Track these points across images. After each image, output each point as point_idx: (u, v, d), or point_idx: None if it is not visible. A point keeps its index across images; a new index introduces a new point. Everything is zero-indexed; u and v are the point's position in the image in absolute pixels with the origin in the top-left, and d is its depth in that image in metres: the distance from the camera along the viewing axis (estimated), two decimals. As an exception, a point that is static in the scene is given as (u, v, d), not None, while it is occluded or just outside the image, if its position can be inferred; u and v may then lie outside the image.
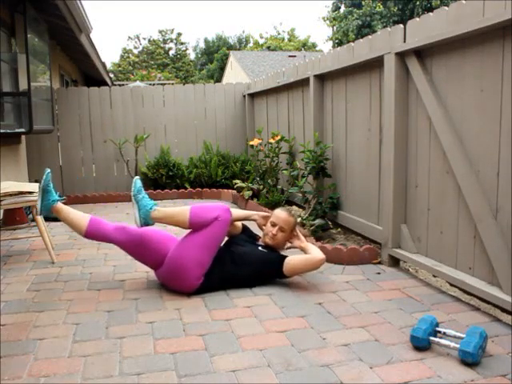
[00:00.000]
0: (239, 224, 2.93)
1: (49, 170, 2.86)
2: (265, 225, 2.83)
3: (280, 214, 2.76)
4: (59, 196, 2.84)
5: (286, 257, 2.63)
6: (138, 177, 2.75)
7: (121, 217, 4.80)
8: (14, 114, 4.89)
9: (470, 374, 1.71)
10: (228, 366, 1.79)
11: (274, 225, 2.75)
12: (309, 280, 2.78)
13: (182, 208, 2.64)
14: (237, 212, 2.84)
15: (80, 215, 2.72)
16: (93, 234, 2.66)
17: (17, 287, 2.76)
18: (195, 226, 2.57)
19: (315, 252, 2.61)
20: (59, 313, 2.36)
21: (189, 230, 2.62)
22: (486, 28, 2.15)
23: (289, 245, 2.81)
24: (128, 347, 1.97)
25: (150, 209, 2.62)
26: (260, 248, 2.74)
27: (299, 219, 3.85)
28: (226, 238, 2.83)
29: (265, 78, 5.79)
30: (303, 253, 2.70)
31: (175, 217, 2.61)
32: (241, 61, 31.90)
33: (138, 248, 2.62)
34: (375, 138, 3.22)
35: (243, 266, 2.62)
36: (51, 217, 2.75)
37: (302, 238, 2.78)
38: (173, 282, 2.58)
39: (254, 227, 2.98)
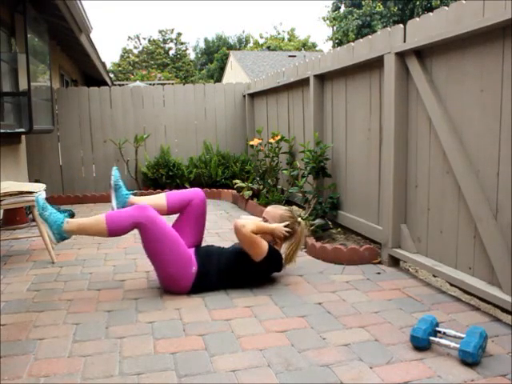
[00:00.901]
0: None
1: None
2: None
3: (267, 207, 2.91)
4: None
5: None
6: (38, 194, 2.53)
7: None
8: (13, 113, 4.89)
9: (470, 373, 1.71)
10: (228, 366, 1.79)
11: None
12: (309, 280, 2.78)
13: (95, 218, 2.49)
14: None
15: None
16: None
17: (17, 287, 2.76)
18: (115, 234, 2.49)
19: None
20: (59, 313, 2.36)
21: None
22: (485, 28, 2.15)
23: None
24: (128, 347, 1.97)
25: (62, 223, 2.47)
26: None
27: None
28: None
29: (265, 78, 5.79)
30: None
31: (92, 227, 2.46)
32: (241, 61, 31.90)
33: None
34: (375, 137, 3.22)
35: (235, 261, 2.62)
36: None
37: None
38: (168, 286, 2.59)
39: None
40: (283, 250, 2.79)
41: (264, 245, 2.58)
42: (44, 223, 2.49)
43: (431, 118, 2.60)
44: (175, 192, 2.86)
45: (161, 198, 2.79)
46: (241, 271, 2.62)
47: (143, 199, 2.81)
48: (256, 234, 2.55)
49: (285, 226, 2.73)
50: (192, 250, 2.63)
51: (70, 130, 6.16)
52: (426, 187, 2.71)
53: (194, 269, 2.54)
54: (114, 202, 2.78)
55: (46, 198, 2.95)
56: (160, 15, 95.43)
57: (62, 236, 2.48)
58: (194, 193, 2.81)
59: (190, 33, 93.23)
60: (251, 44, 50.47)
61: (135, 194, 2.84)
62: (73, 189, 6.15)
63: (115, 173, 2.82)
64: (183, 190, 2.86)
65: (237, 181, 5.34)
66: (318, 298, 2.49)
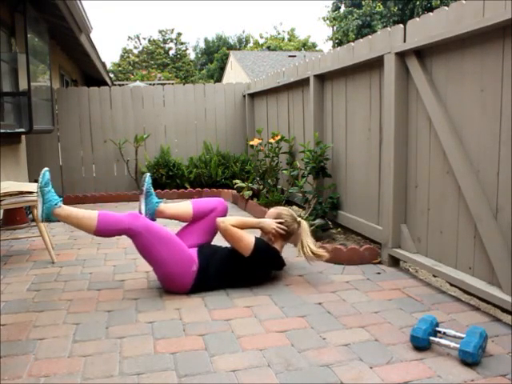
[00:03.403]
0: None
1: (46, 169, 2.68)
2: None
3: (269, 210, 2.94)
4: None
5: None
6: (46, 168, 2.57)
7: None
8: (13, 113, 4.89)
9: (470, 373, 1.71)
10: (228, 366, 1.79)
11: None
12: (309, 280, 2.78)
13: (88, 212, 2.48)
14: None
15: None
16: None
17: (17, 287, 2.76)
18: (101, 234, 2.49)
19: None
20: (59, 313, 2.36)
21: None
22: (485, 28, 2.15)
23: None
24: (128, 347, 1.97)
25: (55, 204, 2.47)
26: None
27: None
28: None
29: (265, 78, 5.79)
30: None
31: (82, 220, 2.46)
32: (241, 61, 31.90)
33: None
34: (375, 137, 3.22)
35: (228, 259, 2.63)
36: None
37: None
38: (168, 286, 2.59)
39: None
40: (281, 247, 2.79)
41: (248, 238, 2.60)
42: (40, 197, 2.49)
43: (431, 117, 2.60)
44: (200, 200, 2.87)
45: (187, 206, 2.80)
46: (236, 269, 2.62)
47: (170, 206, 2.83)
48: (240, 227, 2.61)
49: (280, 223, 2.75)
50: (194, 249, 2.64)
51: (69, 130, 6.16)
52: (426, 187, 2.71)
53: (195, 267, 2.53)
54: (142, 208, 2.78)
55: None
56: (160, 15, 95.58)
57: (48, 216, 2.49)
58: (217, 202, 2.83)
59: (190, 33, 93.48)
60: (251, 44, 50.49)
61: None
62: (73, 189, 6.15)
63: (148, 179, 2.81)
64: (207, 199, 2.88)
65: (237, 181, 5.34)
66: (318, 298, 2.49)
